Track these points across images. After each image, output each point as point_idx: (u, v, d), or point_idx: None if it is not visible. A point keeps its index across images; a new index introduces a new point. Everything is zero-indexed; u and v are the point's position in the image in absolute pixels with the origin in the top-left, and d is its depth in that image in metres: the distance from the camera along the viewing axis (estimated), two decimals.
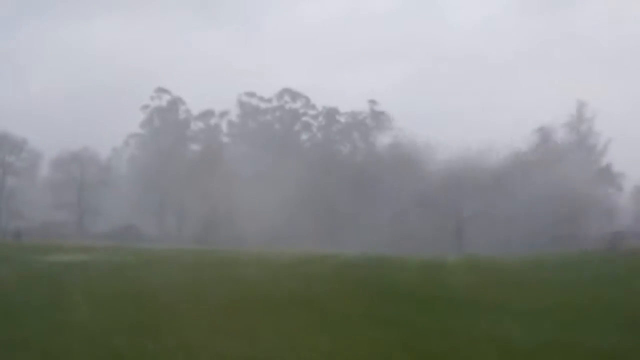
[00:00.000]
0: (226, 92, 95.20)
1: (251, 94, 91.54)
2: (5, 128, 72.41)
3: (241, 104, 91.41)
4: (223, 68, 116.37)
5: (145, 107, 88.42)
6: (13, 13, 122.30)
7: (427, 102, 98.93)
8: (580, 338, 8.77)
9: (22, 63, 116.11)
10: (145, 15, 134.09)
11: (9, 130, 72.42)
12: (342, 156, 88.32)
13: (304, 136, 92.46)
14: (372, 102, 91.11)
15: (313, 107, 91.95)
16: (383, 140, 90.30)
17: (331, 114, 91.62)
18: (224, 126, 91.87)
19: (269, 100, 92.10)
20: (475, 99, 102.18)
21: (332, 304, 11.58)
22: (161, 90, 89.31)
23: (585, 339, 8.67)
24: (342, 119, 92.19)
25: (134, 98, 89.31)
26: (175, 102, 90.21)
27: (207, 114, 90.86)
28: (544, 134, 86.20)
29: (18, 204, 71.29)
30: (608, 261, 24.15)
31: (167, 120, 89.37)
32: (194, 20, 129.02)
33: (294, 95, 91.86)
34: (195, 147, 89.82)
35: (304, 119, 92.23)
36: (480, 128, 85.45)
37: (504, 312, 11.06)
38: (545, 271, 20.09)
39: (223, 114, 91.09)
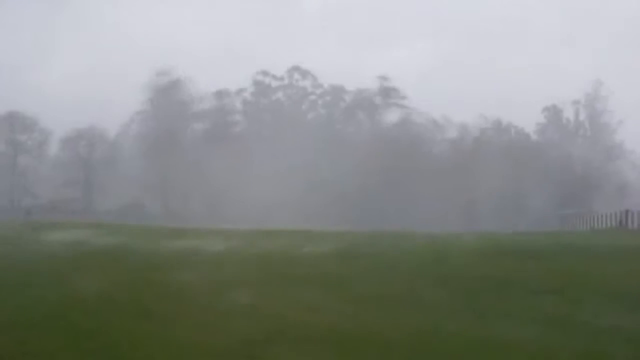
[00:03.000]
0: (246, 69, 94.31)
1: (265, 73, 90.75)
2: (16, 107, 73.06)
3: (255, 83, 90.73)
4: (244, 45, 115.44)
5: (150, 84, 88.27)
6: None
7: (445, 81, 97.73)
8: (583, 317, 8.75)
9: (33, 42, 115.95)
10: None
11: (20, 108, 73.02)
12: (346, 135, 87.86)
13: (310, 115, 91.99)
14: (383, 78, 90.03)
15: (320, 85, 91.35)
16: (391, 118, 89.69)
17: (337, 91, 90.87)
18: (238, 104, 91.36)
19: (281, 79, 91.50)
20: (492, 77, 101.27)
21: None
22: (165, 70, 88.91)
23: (588, 318, 8.64)
24: (348, 97, 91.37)
25: (147, 76, 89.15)
26: (180, 81, 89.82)
27: (217, 94, 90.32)
28: (556, 112, 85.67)
29: (29, 182, 72.14)
30: (615, 239, 24.07)
31: (171, 98, 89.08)
32: None
33: (304, 73, 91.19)
34: (202, 125, 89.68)
35: (311, 97, 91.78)
36: (496, 105, 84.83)
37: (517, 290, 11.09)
38: (554, 249, 20.02)
39: (239, 91, 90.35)
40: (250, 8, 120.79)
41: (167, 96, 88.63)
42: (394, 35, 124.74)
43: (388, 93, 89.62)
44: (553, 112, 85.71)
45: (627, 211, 39.55)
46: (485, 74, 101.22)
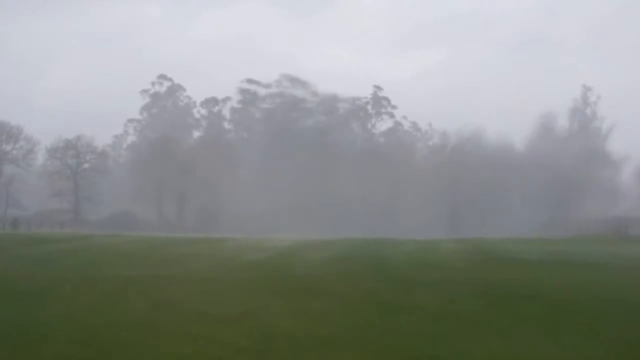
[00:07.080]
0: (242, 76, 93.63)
1: (252, 81, 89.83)
2: (2, 116, 72.00)
3: (242, 91, 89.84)
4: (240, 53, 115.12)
5: (145, 91, 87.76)
6: (12, 3, 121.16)
7: (440, 90, 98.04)
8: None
9: (23, 52, 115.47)
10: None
11: (5, 118, 71.96)
12: (340, 143, 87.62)
13: (304, 123, 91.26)
14: (377, 87, 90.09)
15: (314, 93, 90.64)
16: (382, 126, 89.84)
17: (331, 100, 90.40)
18: (226, 113, 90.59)
19: (268, 86, 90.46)
20: (483, 85, 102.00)
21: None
22: (162, 77, 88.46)
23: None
24: (342, 106, 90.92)
25: (138, 85, 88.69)
26: (175, 89, 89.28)
27: (209, 101, 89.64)
28: (549, 119, 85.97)
29: (15, 192, 70.61)
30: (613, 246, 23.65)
31: (165, 106, 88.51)
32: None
33: (294, 81, 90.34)
34: (196, 133, 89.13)
35: (304, 105, 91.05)
36: (487, 112, 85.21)
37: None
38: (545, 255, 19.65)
39: (225, 100, 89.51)
40: (245, 16, 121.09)
41: (162, 104, 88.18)
42: (391, 43, 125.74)
43: (380, 102, 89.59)
44: (546, 120, 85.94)
45: (621, 218, 38.81)
46: (481, 82, 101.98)
